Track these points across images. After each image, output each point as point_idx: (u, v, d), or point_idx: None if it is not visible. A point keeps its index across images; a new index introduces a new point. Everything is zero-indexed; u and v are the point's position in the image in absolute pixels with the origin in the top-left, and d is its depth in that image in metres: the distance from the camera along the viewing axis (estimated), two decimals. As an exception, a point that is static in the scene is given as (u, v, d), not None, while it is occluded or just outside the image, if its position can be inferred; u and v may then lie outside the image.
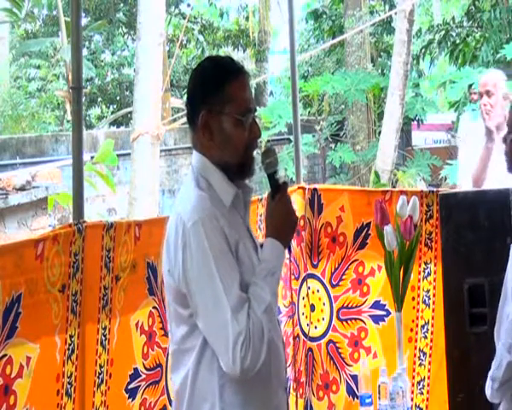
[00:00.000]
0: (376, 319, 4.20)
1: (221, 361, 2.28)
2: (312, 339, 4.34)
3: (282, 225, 2.46)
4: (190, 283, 2.30)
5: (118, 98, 18.56)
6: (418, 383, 4.13)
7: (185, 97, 2.77)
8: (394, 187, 10.45)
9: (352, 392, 4.25)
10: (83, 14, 8.01)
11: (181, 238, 2.31)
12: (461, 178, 5.00)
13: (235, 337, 2.24)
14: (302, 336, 4.36)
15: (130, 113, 10.84)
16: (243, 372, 2.25)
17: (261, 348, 2.27)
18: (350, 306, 4.27)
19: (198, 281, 2.29)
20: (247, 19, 18.81)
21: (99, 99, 18.73)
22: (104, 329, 3.01)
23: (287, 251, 2.52)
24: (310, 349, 4.37)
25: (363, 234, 4.20)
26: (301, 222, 4.31)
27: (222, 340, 2.26)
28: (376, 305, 4.19)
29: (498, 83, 4.92)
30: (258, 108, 10.98)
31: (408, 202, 3.65)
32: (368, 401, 3.60)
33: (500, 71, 5.25)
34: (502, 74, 5.34)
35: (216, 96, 2.40)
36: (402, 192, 4.09)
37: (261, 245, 2.50)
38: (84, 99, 8.63)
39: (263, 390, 2.40)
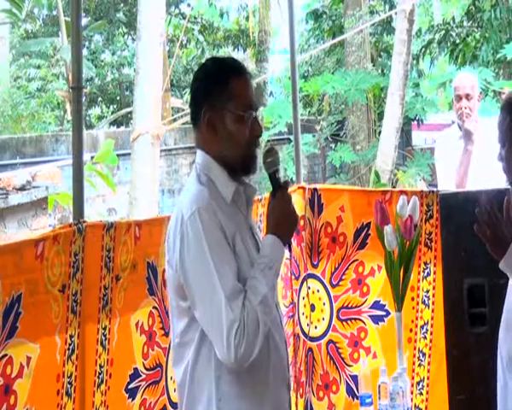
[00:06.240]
0: (376, 320, 4.20)
1: (216, 350, 2.32)
2: (312, 339, 4.34)
3: (282, 222, 2.50)
4: (187, 272, 2.35)
5: (118, 98, 18.56)
6: (418, 383, 4.13)
7: (185, 97, 2.80)
8: (394, 187, 10.44)
9: (351, 392, 4.25)
10: (83, 14, 8.00)
11: (179, 229, 2.37)
12: (441, 186, 4.93)
13: (230, 325, 2.27)
14: (302, 336, 4.36)
15: (130, 113, 10.84)
16: (237, 361, 2.28)
17: (256, 338, 2.30)
18: (350, 306, 4.27)
19: (194, 270, 2.34)
20: (247, 19, 18.79)
21: (99, 99, 18.73)
22: (104, 329, 3.01)
23: (287, 251, 2.54)
24: (310, 349, 4.37)
25: (363, 234, 4.20)
26: (301, 222, 4.31)
27: (216, 328, 2.30)
28: (376, 305, 4.19)
29: (475, 85, 4.93)
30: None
31: (408, 202, 3.65)
32: (368, 401, 3.60)
33: (472, 72, 5.27)
34: (475, 75, 5.34)
35: (219, 92, 2.45)
36: (402, 192, 4.09)
37: None
38: (84, 99, 8.62)
39: (261, 385, 2.42)
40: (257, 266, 2.41)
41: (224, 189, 2.46)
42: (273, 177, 2.54)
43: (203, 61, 2.88)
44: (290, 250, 2.59)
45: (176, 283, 2.40)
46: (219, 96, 2.44)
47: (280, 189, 2.53)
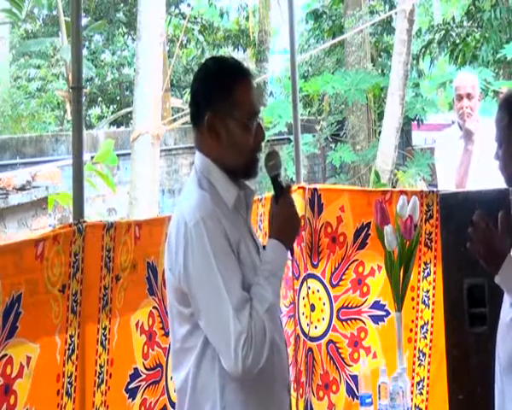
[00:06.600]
0: (376, 320, 4.20)
1: (223, 361, 2.28)
2: (312, 339, 4.34)
3: (285, 227, 2.47)
4: (191, 282, 2.31)
5: (118, 98, 18.57)
6: (418, 383, 4.12)
7: (185, 97, 2.78)
8: (394, 187, 10.44)
9: (351, 392, 4.25)
10: (83, 14, 8.00)
11: (182, 238, 2.32)
12: (441, 185, 4.94)
13: (237, 337, 2.24)
14: (302, 336, 4.36)
15: (130, 113, 10.84)
16: (245, 372, 2.25)
17: (263, 347, 2.27)
18: (350, 306, 4.27)
19: (199, 280, 2.30)
20: (247, 19, 18.80)
21: (99, 99, 18.74)
22: (104, 329, 3.01)
23: (289, 252, 2.53)
24: (310, 349, 4.37)
25: (363, 234, 4.20)
26: (301, 222, 4.31)
27: (224, 339, 2.26)
28: (376, 305, 4.19)
29: (476, 85, 4.95)
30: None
31: (408, 202, 3.65)
32: (368, 401, 3.60)
33: (472, 72, 5.30)
34: (475, 75, 5.35)
35: (223, 99, 2.40)
36: (402, 192, 4.09)
37: (264, 247, 2.51)
38: (84, 99, 8.62)
39: (265, 390, 2.40)
40: (261, 273, 2.37)
41: (226, 193, 2.42)
42: (275, 180, 2.52)
43: (203, 61, 2.85)
44: (292, 252, 2.58)
45: (177, 289, 2.36)
46: (223, 102, 2.39)
47: (282, 192, 2.50)
